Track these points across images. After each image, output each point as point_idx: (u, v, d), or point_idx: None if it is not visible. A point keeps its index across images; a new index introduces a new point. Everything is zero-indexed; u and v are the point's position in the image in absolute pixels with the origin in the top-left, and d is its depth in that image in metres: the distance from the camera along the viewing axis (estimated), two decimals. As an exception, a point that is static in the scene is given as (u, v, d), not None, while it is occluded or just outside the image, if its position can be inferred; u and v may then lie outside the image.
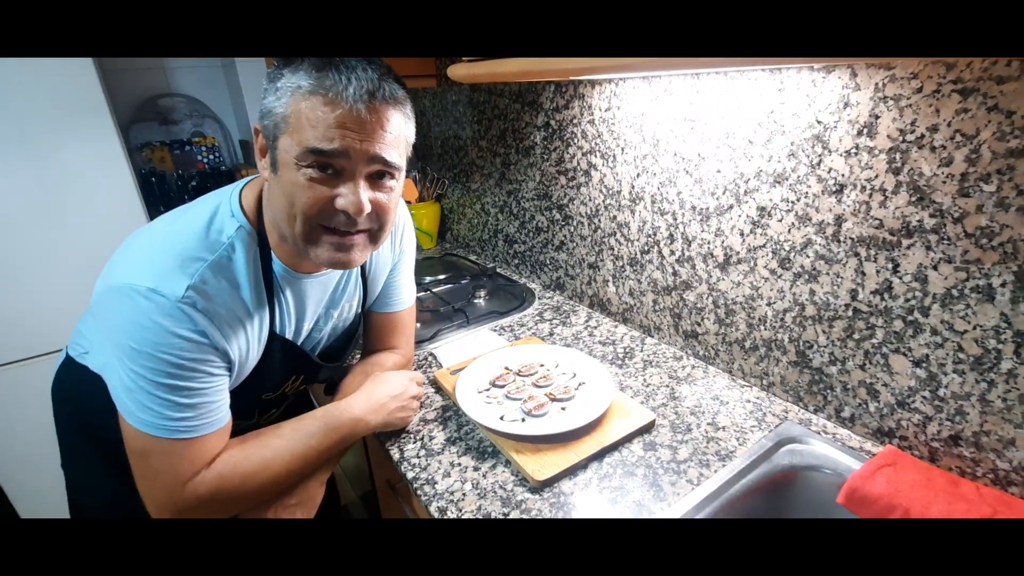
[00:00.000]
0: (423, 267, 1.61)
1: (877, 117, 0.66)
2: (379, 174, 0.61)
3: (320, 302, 0.78)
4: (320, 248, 0.62)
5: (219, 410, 0.64)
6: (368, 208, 0.60)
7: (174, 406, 0.59)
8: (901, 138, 0.64)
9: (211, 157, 1.94)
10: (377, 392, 0.78)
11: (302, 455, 0.69)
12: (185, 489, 0.61)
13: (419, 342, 1.10)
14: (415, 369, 1.01)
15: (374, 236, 0.65)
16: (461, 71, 0.86)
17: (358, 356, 0.94)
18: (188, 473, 0.61)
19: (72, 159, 1.42)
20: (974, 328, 0.63)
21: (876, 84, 0.65)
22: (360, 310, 0.87)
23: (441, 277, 1.47)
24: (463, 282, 1.45)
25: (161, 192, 1.82)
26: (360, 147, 0.57)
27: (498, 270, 1.53)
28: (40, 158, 1.38)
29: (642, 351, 1.05)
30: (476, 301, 1.35)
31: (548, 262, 1.36)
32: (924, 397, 0.70)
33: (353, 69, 0.56)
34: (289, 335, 0.75)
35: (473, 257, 1.67)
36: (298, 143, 0.56)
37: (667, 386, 0.93)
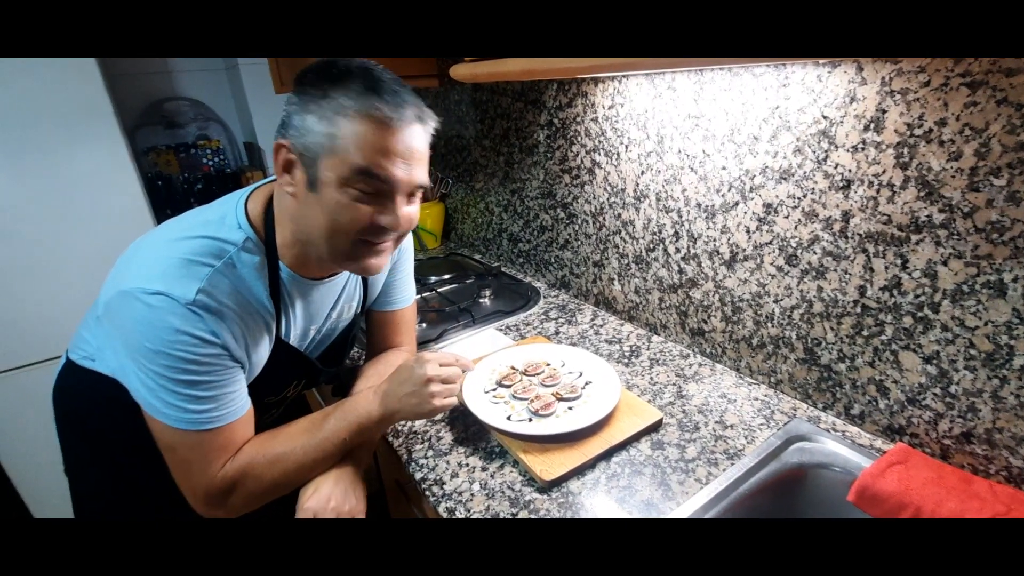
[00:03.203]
0: (428, 267, 1.61)
1: (884, 111, 0.65)
2: (412, 191, 0.66)
3: (327, 305, 0.79)
4: (356, 260, 0.66)
5: (239, 398, 0.66)
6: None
7: (194, 400, 0.61)
8: (909, 132, 0.64)
9: (216, 160, 1.95)
10: (392, 382, 0.75)
11: (320, 444, 0.70)
12: (216, 476, 0.63)
13: (425, 342, 1.10)
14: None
15: (399, 240, 0.70)
16: (464, 71, 0.86)
17: (361, 358, 0.94)
18: (217, 461, 0.64)
19: (79, 164, 1.43)
20: (985, 324, 0.62)
21: (883, 78, 0.64)
22: (359, 311, 0.87)
23: (446, 277, 1.47)
24: (468, 282, 1.45)
25: (167, 195, 1.83)
26: (407, 177, 0.62)
27: (503, 269, 1.53)
28: (47, 163, 1.39)
29: (648, 349, 1.05)
30: (481, 301, 1.35)
31: (553, 261, 1.36)
32: (935, 394, 0.69)
33: (398, 93, 0.60)
34: (294, 341, 0.75)
35: (478, 256, 1.67)
36: (345, 163, 0.58)
37: (674, 384, 0.92)
